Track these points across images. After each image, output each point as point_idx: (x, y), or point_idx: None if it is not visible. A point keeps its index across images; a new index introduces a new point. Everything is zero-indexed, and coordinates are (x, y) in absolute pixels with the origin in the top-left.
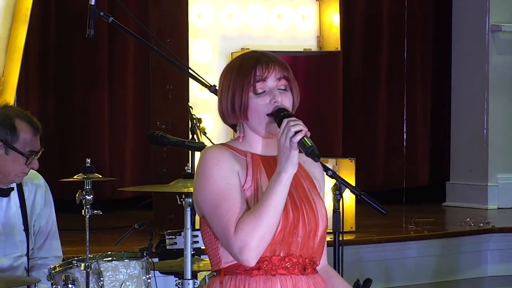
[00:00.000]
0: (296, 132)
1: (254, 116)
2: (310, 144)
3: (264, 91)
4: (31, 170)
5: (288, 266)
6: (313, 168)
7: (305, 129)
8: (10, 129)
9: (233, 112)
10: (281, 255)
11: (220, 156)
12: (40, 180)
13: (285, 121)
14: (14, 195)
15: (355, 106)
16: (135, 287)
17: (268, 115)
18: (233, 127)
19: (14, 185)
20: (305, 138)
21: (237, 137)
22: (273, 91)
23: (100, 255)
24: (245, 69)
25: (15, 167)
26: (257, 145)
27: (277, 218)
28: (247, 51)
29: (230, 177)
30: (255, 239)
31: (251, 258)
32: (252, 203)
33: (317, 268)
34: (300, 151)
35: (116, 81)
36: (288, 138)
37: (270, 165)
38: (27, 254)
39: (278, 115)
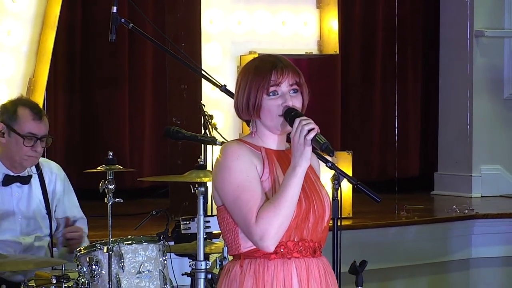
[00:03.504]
0: (309, 131)
1: (267, 116)
2: (324, 141)
3: (277, 94)
4: (48, 160)
5: (301, 249)
6: (313, 161)
7: (316, 127)
8: (12, 114)
9: (247, 109)
10: (295, 240)
11: (240, 151)
12: (58, 169)
13: (297, 120)
14: (36, 182)
15: (352, 104)
16: (153, 267)
17: (279, 116)
18: (247, 122)
19: (33, 174)
20: (318, 135)
21: (250, 132)
22: (285, 95)
23: (121, 238)
24: (261, 72)
25: (18, 150)
26: (268, 140)
27: (293, 208)
28: (263, 54)
29: (250, 170)
30: (275, 227)
31: (271, 245)
32: (270, 193)
33: None
34: (313, 147)
35: (136, 81)
36: (302, 136)
37: (281, 158)
38: (50, 235)
39: (289, 115)
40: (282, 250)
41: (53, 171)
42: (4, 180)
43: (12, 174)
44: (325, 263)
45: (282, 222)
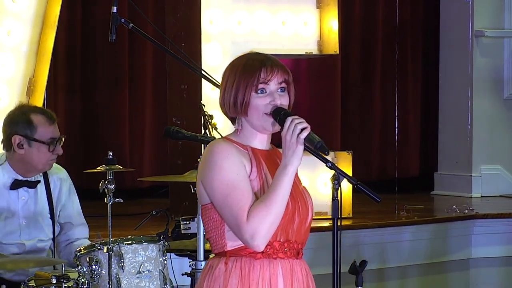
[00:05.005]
0: (302, 129)
1: (254, 114)
2: (318, 140)
3: (265, 92)
4: (55, 165)
5: (287, 250)
6: None
7: (308, 126)
8: (28, 123)
9: (235, 107)
10: (281, 240)
11: (229, 149)
12: (63, 174)
13: (289, 119)
14: (41, 187)
15: (352, 104)
16: (153, 267)
17: (266, 114)
18: (232, 119)
19: (40, 179)
20: (311, 134)
21: (235, 130)
22: (273, 94)
23: (121, 238)
24: (250, 69)
25: (41, 157)
26: (254, 139)
27: (284, 207)
28: (250, 52)
29: (239, 169)
30: (266, 226)
31: (261, 244)
32: (259, 192)
33: None
34: (306, 146)
35: (136, 81)
36: (295, 134)
37: (267, 158)
38: (53, 238)
39: (279, 114)
40: (268, 250)
41: (59, 176)
42: (13, 184)
43: (21, 178)
44: (306, 266)
45: (273, 221)
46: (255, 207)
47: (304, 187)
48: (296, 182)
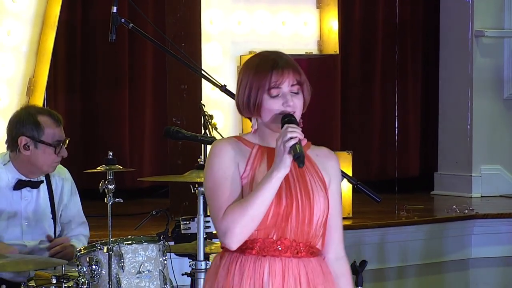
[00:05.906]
0: (291, 138)
1: (267, 115)
2: (298, 151)
3: (278, 94)
4: (61, 166)
5: (280, 248)
6: (327, 161)
7: (300, 136)
8: (35, 125)
9: (248, 108)
10: (274, 238)
11: (223, 148)
12: (66, 174)
13: (285, 126)
14: (43, 187)
15: (352, 104)
16: (153, 267)
17: (279, 114)
18: (249, 118)
19: (43, 178)
20: (297, 145)
21: (252, 130)
22: (286, 96)
23: (121, 238)
24: (261, 70)
25: (47, 158)
26: (268, 138)
27: (262, 211)
28: (265, 50)
29: (228, 168)
30: (238, 226)
31: (232, 242)
32: (247, 190)
33: (331, 257)
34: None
35: (136, 81)
36: (283, 142)
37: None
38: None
39: (283, 120)
40: (258, 246)
41: (61, 176)
42: (16, 184)
43: (24, 179)
44: (313, 266)
45: (247, 223)
46: (232, 206)
47: (321, 188)
48: (308, 180)
